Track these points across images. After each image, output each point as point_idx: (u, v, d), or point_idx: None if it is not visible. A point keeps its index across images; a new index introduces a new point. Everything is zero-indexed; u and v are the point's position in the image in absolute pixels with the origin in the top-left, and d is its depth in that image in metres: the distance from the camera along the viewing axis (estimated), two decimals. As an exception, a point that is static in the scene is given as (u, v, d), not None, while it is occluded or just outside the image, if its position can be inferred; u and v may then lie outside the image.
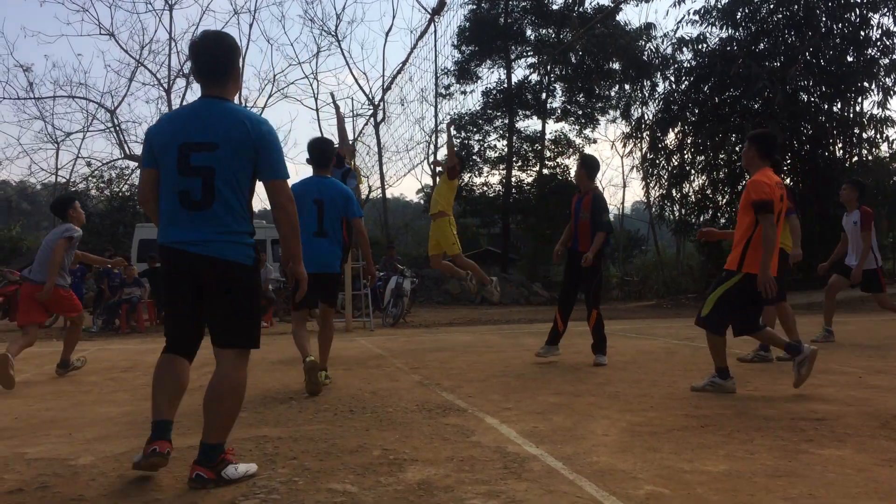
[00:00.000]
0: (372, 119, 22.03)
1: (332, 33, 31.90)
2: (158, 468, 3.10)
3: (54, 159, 29.96)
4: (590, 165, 7.20)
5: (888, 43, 20.68)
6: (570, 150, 30.69)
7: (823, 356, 6.95)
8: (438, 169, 9.03)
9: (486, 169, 30.82)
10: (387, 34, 55.80)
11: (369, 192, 29.85)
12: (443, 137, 32.06)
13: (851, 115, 21.66)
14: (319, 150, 5.90)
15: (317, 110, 34.60)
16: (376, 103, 24.69)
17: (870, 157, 21.65)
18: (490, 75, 31.20)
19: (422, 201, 39.30)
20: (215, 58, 3.19)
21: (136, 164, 30.54)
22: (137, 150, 30.79)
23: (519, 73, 31.31)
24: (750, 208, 4.91)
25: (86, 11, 36.17)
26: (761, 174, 5.01)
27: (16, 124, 67.62)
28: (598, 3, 28.25)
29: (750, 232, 4.92)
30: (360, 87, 34.50)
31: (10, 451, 3.65)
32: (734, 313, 5.04)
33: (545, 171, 30.00)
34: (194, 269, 3.11)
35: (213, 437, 3.05)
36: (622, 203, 36.95)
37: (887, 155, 21.82)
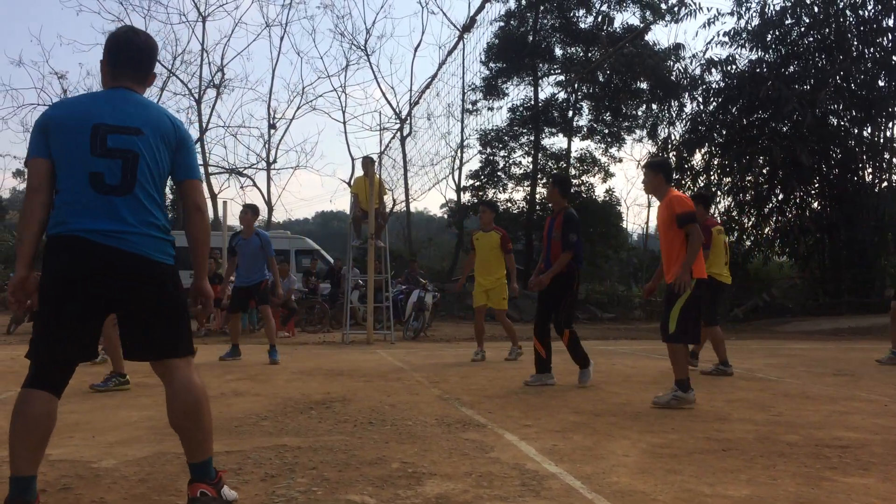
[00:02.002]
0: (398, 133, 22.13)
1: (362, 47, 32.21)
2: None
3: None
4: (564, 184, 7.21)
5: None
6: (596, 168, 30.62)
7: (849, 383, 6.86)
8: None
9: (510, 185, 30.84)
10: (415, 49, 56.07)
11: (393, 205, 29.96)
12: (468, 153, 32.16)
13: (882, 141, 21.43)
14: None
15: (344, 123, 34.82)
16: (403, 118, 24.83)
17: (900, 183, 21.42)
18: (517, 92, 31.24)
19: (445, 216, 39.35)
20: (146, 55, 2.93)
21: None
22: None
23: (546, 91, 31.32)
24: (673, 222, 5.42)
25: (121, 21, 36.74)
26: (675, 191, 5.59)
27: (49, 130, 68.65)
28: (627, 23, 28.28)
29: (684, 243, 5.41)
30: (388, 102, 34.86)
31: (34, 452, 3.69)
32: (693, 321, 5.43)
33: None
34: (106, 268, 2.63)
35: (204, 452, 2.75)
36: (646, 223, 36.72)
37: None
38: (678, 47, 25.39)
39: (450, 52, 10.16)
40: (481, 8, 8.19)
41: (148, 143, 2.73)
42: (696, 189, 23.39)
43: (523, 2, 28.30)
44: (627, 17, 31.74)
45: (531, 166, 29.69)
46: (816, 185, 22.25)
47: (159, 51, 3.15)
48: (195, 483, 2.70)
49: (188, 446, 2.74)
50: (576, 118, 29.91)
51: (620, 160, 39.15)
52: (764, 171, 21.99)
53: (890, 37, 20.87)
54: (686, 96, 24.22)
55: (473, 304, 9.52)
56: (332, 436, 4.16)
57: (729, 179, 22.70)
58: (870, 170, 21.68)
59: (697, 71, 23.31)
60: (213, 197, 30.24)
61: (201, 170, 30.01)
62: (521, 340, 9.33)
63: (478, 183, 30.80)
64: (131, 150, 2.70)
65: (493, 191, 30.67)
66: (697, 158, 23.48)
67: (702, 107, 23.43)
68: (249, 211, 8.86)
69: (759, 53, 22.07)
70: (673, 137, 25.26)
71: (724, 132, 22.45)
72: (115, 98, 2.80)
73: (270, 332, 8.72)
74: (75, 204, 2.64)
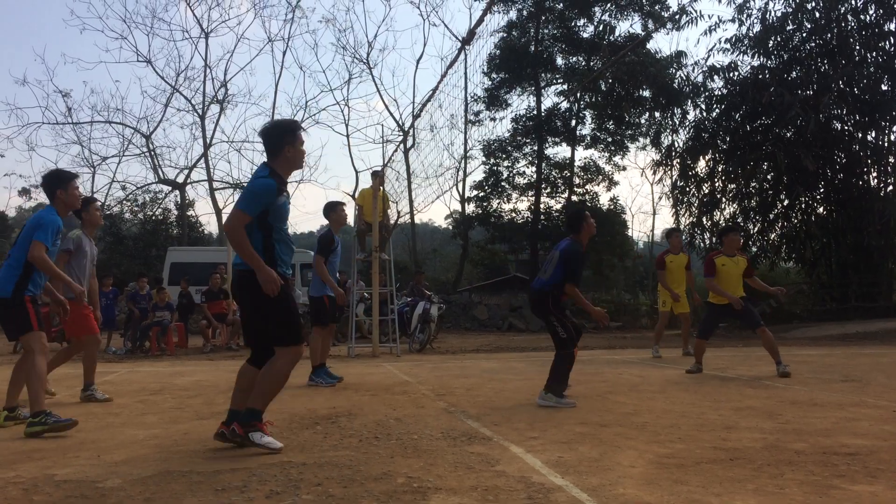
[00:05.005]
0: (402, 145, 22.18)
1: (364, 60, 32.36)
2: None
3: (90, 183, 30.49)
4: None
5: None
6: (600, 177, 30.62)
7: (857, 389, 6.83)
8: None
9: (514, 195, 30.88)
10: (417, 62, 56.19)
11: (398, 217, 30.00)
12: (472, 165, 32.15)
13: (886, 144, 21.40)
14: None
15: (347, 136, 34.94)
16: (406, 130, 24.87)
17: (905, 187, 21.35)
18: (520, 102, 31.32)
19: (450, 227, 39.34)
20: (264, 140, 4.30)
21: (170, 188, 31.01)
22: (171, 174, 31.35)
23: (549, 101, 31.40)
24: None
25: (124, 39, 37.17)
26: None
27: (54, 148, 68.97)
28: (628, 31, 28.36)
29: None
30: (391, 114, 35.14)
31: (39, 472, 3.70)
32: None
33: (574, 197, 29.93)
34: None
35: (250, 402, 4.06)
36: (652, 230, 36.64)
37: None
38: (680, 55, 25.41)
39: (451, 64, 10.19)
40: (480, 20, 8.23)
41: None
42: (700, 196, 23.37)
43: (524, 12, 28.40)
44: (628, 25, 31.74)
45: (535, 176, 29.72)
46: (821, 191, 22.20)
47: (279, 133, 4.29)
48: (226, 425, 4.00)
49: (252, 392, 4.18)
50: (579, 127, 29.99)
51: (624, 168, 39.12)
52: (768, 176, 21.95)
53: (892, 41, 20.86)
54: (689, 103, 24.25)
55: (660, 308, 11.62)
56: (338, 451, 4.14)
57: (733, 186, 22.68)
58: (874, 174, 21.64)
59: (700, 78, 23.37)
60: (218, 212, 30.33)
61: (202, 187, 30.37)
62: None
63: (482, 193, 30.83)
64: None
65: (498, 201, 30.70)
66: (701, 165, 23.50)
67: (705, 114, 23.46)
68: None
69: (762, 59, 22.10)
70: (676, 145, 25.27)
71: (728, 139, 22.46)
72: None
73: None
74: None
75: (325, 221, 8.39)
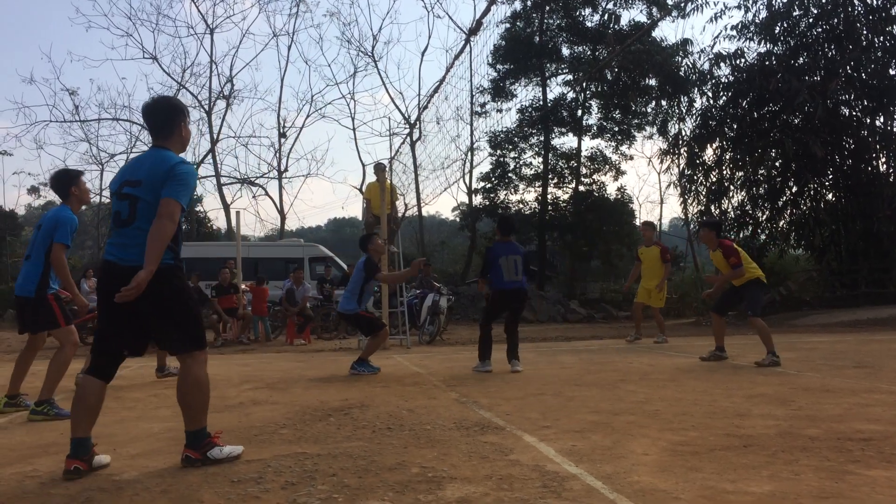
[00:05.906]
0: (408, 138, 22.15)
1: (369, 54, 32.30)
2: None
3: (98, 180, 30.56)
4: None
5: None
6: (607, 166, 30.53)
7: (869, 375, 6.81)
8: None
9: (521, 186, 30.80)
10: (423, 54, 55.69)
11: (405, 209, 29.97)
12: (478, 156, 32.07)
13: (894, 130, 21.25)
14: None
15: (353, 129, 34.92)
16: (412, 122, 24.85)
17: (914, 172, 21.21)
18: (526, 93, 31.16)
19: (457, 219, 39.33)
20: (149, 119, 3.85)
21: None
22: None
23: (554, 91, 31.26)
24: None
25: (130, 36, 37.15)
26: None
27: (62, 146, 69.16)
28: (633, 20, 28.22)
29: None
30: (397, 107, 34.90)
31: (56, 466, 3.72)
32: None
33: (581, 187, 29.86)
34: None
35: (192, 424, 3.70)
36: (660, 219, 36.53)
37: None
38: (686, 42, 25.34)
39: (457, 56, 10.17)
40: (487, 11, 8.20)
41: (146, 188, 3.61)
42: (707, 184, 23.30)
43: (529, 3, 28.29)
44: (634, 14, 31.67)
45: (542, 167, 29.66)
46: (830, 177, 22.07)
47: (173, 109, 3.85)
48: (184, 448, 3.68)
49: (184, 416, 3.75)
50: (585, 117, 29.88)
51: (631, 158, 39.03)
52: (777, 163, 21.84)
53: (900, 25, 20.68)
54: (695, 91, 24.14)
55: (636, 300, 12.38)
56: (351, 442, 4.16)
57: (741, 173, 22.57)
58: (883, 159, 21.51)
59: (706, 66, 23.22)
60: (226, 207, 30.40)
61: (210, 183, 30.40)
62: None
63: (489, 185, 30.79)
64: (133, 196, 3.63)
65: (505, 192, 30.64)
66: (709, 153, 23.37)
67: (711, 101, 23.32)
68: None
69: (768, 46, 21.94)
70: (683, 133, 25.17)
71: (735, 126, 22.32)
72: (139, 158, 3.89)
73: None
74: None
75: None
